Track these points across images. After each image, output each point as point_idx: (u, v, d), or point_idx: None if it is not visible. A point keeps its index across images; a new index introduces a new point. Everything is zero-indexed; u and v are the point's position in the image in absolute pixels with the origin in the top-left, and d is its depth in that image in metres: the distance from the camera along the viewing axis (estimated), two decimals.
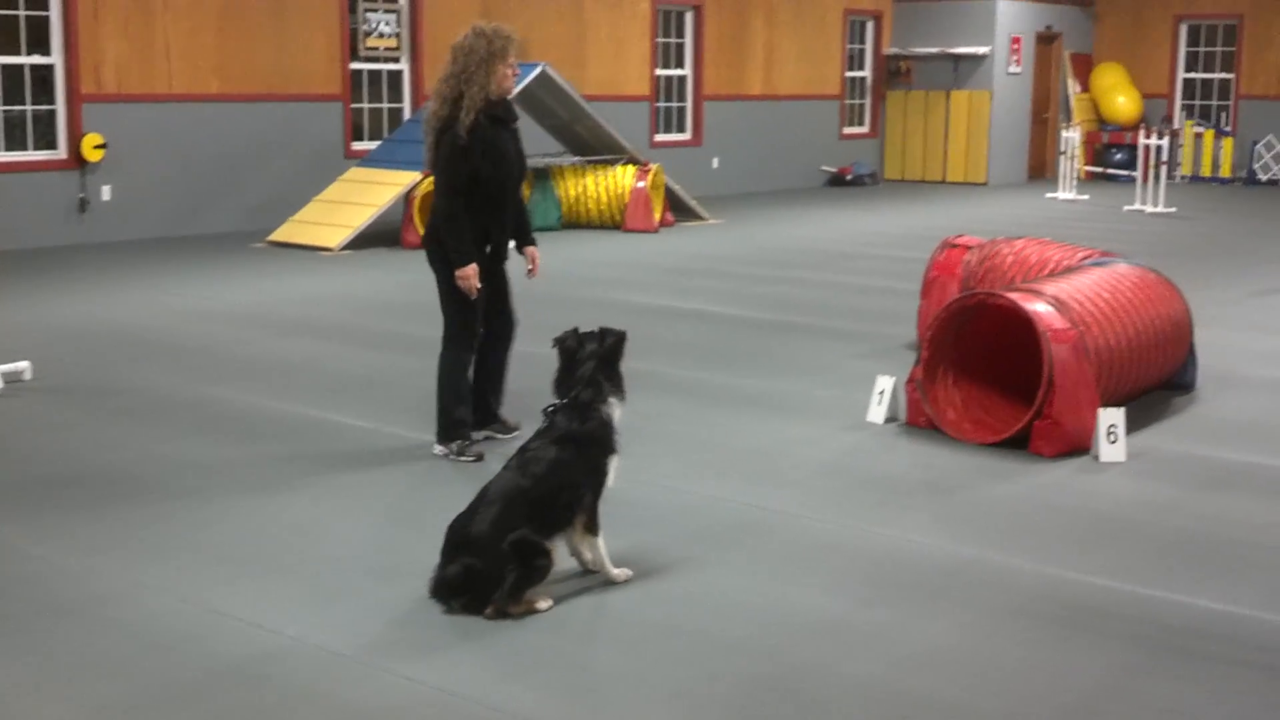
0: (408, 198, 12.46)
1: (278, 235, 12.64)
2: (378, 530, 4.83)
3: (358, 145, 14.34)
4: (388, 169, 12.80)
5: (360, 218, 12.25)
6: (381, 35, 14.68)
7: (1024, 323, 5.85)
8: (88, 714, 3.43)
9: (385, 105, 14.87)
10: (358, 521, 4.91)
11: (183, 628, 3.94)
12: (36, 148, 12.31)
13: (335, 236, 12.14)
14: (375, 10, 14.61)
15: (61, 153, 12.41)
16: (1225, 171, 20.28)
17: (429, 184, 12.48)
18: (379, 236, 12.39)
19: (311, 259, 11.68)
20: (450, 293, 5.57)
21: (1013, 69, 20.30)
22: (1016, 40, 20.28)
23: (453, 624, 3.96)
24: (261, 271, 10.93)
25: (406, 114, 14.75)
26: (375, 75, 14.76)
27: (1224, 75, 20.80)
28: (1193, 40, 21.12)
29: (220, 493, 5.21)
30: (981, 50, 19.93)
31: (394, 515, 5.02)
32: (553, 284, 10.31)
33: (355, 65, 14.45)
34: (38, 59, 12.24)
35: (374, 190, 12.55)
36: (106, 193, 12.61)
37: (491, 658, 3.75)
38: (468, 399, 5.64)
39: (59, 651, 3.78)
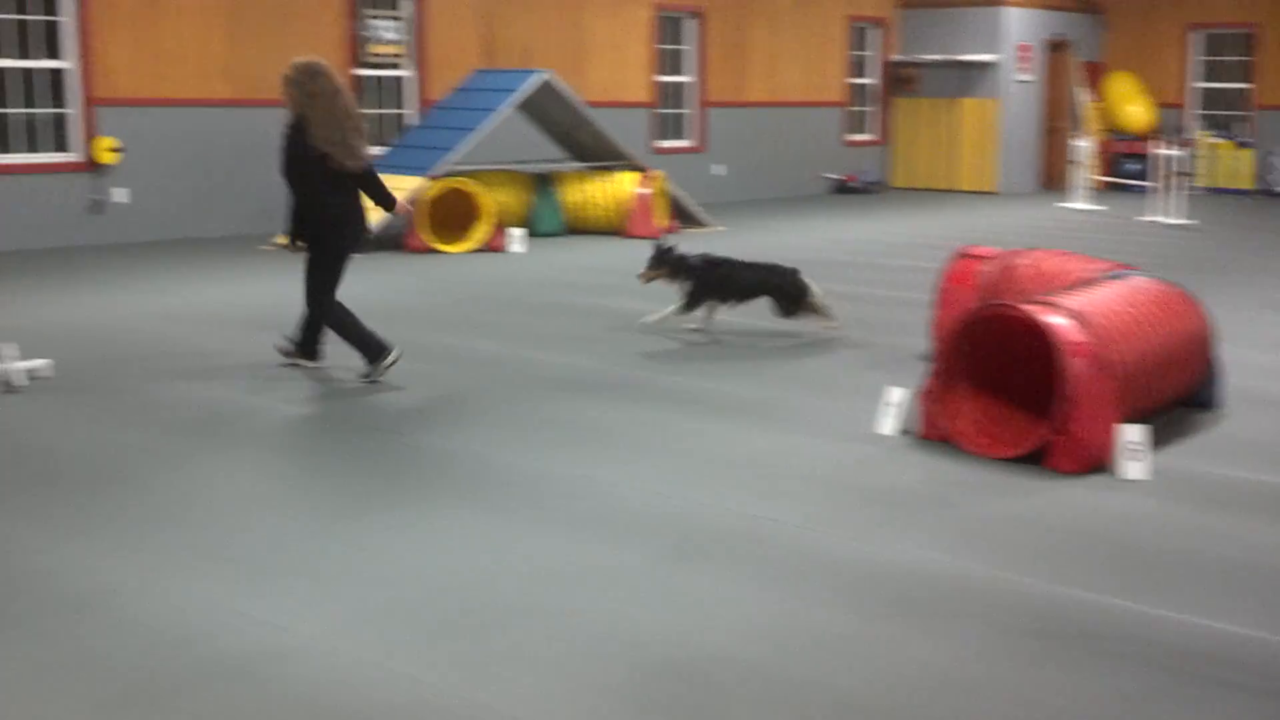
0: (412, 203, 12.34)
1: (285, 238, 12.53)
2: (383, 534, 4.70)
3: None
4: (392, 174, 12.67)
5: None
6: (385, 42, 14.58)
7: (1041, 335, 5.73)
8: (86, 710, 3.38)
9: (388, 111, 14.78)
10: (360, 525, 4.77)
11: (185, 624, 3.89)
12: (51, 150, 12.35)
13: None
14: (379, 18, 14.52)
15: (76, 155, 12.42)
16: (1244, 183, 20.08)
17: (437, 187, 12.40)
18: (382, 241, 12.29)
19: None
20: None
21: (1022, 77, 20.18)
22: (1025, 48, 20.16)
23: (457, 627, 3.85)
24: (270, 273, 10.85)
25: (410, 120, 14.66)
26: (379, 82, 14.66)
27: (1241, 85, 20.63)
28: (1210, 49, 20.92)
29: (226, 494, 5.12)
30: (989, 58, 19.82)
31: (394, 518, 4.88)
32: (553, 291, 10.22)
33: (359, 71, 14.35)
34: (52, 63, 12.27)
35: None
36: (120, 194, 12.62)
37: (487, 659, 3.62)
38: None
39: (60, 647, 3.74)
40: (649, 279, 8.14)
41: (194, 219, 13.20)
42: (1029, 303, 5.94)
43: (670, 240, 8.25)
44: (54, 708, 3.40)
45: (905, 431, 6.10)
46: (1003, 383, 6.09)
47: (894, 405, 6.15)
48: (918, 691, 3.59)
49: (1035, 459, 5.64)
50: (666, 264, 8.10)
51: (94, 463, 5.58)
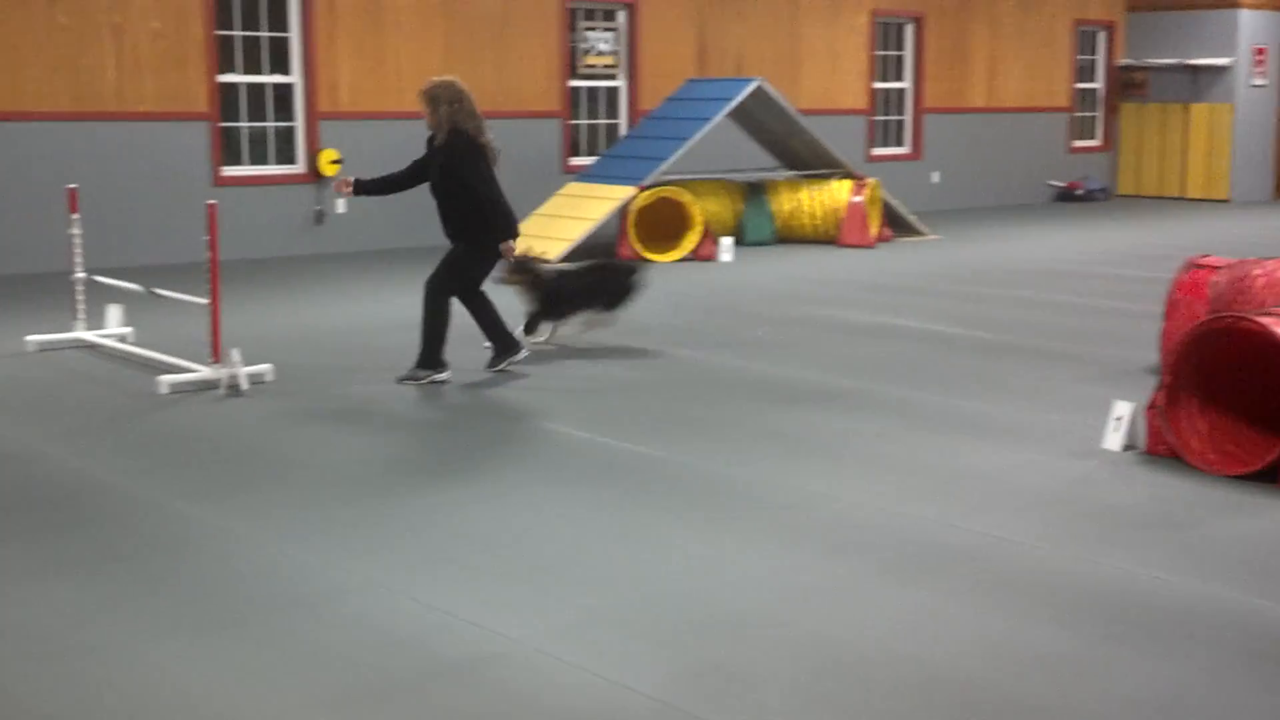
0: (623, 212, 12.50)
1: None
2: (597, 540, 4.78)
3: (575, 160, 14.49)
4: (604, 184, 12.89)
5: (578, 231, 12.35)
6: (599, 53, 14.81)
7: (1275, 348, 5.42)
8: (307, 705, 3.50)
9: (601, 121, 15.00)
10: (580, 529, 4.88)
11: (406, 624, 4.00)
12: (277, 163, 12.95)
13: (554, 249, 12.25)
14: (594, 29, 14.75)
15: (300, 167, 12.99)
16: None
17: (645, 197, 12.52)
18: (594, 250, 12.46)
19: None
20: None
21: (1257, 81, 19.19)
22: (1261, 51, 19.16)
23: (671, 636, 3.87)
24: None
25: (622, 130, 14.85)
26: (593, 92, 14.91)
27: None
28: None
29: (447, 494, 5.31)
30: (1222, 61, 18.91)
31: (608, 525, 4.94)
32: (766, 300, 10.18)
33: (573, 83, 14.61)
34: (279, 78, 12.87)
35: (591, 204, 12.64)
36: (341, 205, 13.13)
37: (700, 670, 3.64)
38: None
39: (284, 643, 3.88)
40: (508, 283, 8.07)
41: (408, 229, 13.54)
42: (1263, 314, 5.64)
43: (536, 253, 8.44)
44: (276, 704, 3.52)
45: (1131, 447, 5.87)
46: (1234, 397, 5.79)
47: (1120, 420, 5.92)
48: (1145, 716, 3.44)
49: (1268, 476, 5.36)
50: (527, 272, 8.08)
51: (309, 465, 5.79)
